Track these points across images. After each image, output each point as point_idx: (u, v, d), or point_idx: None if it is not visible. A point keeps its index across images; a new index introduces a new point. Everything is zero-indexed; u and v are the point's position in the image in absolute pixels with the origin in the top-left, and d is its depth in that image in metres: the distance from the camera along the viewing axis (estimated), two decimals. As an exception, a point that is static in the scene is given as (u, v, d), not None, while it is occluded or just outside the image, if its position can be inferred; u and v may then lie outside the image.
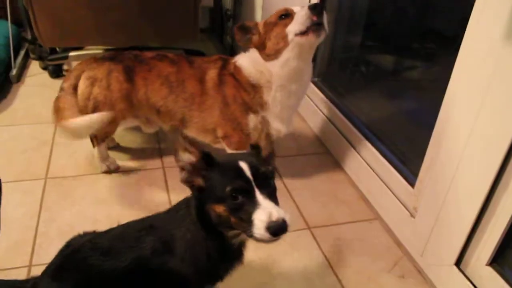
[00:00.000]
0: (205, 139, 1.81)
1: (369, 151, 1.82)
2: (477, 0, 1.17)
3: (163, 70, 1.74)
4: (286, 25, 1.54)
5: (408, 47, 1.89)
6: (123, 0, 2.31)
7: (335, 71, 2.41)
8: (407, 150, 1.74)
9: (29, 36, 2.81)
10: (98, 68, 1.75)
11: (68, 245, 1.16)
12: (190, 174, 0.98)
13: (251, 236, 0.90)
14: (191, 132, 1.79)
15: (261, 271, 1.46)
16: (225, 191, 0.91)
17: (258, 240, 0.90)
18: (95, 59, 1.79)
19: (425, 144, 1.45)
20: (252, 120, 1.69)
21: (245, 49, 1.71)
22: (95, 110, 1.74)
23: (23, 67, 2.83)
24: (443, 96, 1.34)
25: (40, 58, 2.80)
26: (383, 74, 2.11)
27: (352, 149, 1.93)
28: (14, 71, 2.64)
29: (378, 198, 1.75)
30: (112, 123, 1.79)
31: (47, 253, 1.45)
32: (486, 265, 1.28)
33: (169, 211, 1.11)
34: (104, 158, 1.90)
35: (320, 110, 2.23)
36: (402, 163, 1.69)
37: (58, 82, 2.63)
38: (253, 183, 0.92)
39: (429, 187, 1.44)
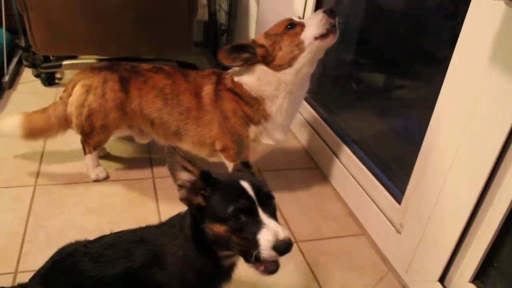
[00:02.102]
0: (200, 152, 1.81)
1: (358, 167, 1.85)
2: (464, 24, 1.21)
3: (158, 82, 1.75)
4: (297, 33, 1.57)
5: (398, 66, 1.93)
6: (119, 10, 2.33)
7: (326, 88, 2.44)
8: (394, 167, 1.77)
9: (22, 43, 2.82)
10: (94, 77, 1.77)
11: (60, 251, 1.16)
12: (189, 193, 0.97)
13: (253, 257, 0.90)
14: (186, 145, 1.80)
15: (247, 284, 1.47)
16: (227, 211, 0.90)
17: (260, 261, 0.91)
18: (92, 68, 1.81)
19: (412, 162, 1.48)
20: (253, 131, 1.71)
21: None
22: (89, 117, 1.76)
23: (16, 74, 2.83)
24: (431, 116, 1.37)
25: (33, 66, 2.81)
26: (373, 92, 2.14)
27: (341, 165, 1.96)
28: (6, 78, 2.64)
29: (365, 214, 1.77)
30: (105, 132, 1.81)
31: (34, 260, 1.44)
32: (469, 282, 1.31)
33: (161, 226, 1.11)
34: (94, 166, 1.90)
35: (311, 126, 2.26)
36: (390, 180, 1.72)
37: (50, 90, 2.66)
38: (257, 203, 0.92)
39: (415, 204, 1.47)
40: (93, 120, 1.77)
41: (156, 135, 1.85)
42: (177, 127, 1.75)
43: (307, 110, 2.30)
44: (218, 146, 1.74)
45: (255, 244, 0.89)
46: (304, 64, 1.60)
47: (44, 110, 1.83)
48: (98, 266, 1.04)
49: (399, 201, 1.58)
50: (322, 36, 1.55)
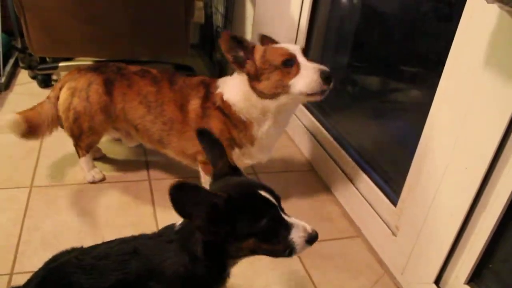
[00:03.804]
0: (183, 161, 1.81)
1: (354, 169, 1.86)
2: (458, 27, 1.22)
3: (142, 88, 1.72)
4: (289, 75, 1.49)
5: (394, 69, 1.94)
6: (115, 13, 2.33)
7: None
8: (390, 170, 1.78)
9: (19, 45, 2.82)
10: (79, 79, 1.75)
11: (54, 259, 1.15)
12: (209, 225, 0.90)
13: (286, 253, 0.95)
14: (169, 153, 1.79)
15: (244, 286, 1.47)
16: (259, 225, 0.91)
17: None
18: (79, 70, 1.80)
19: (407, 164, 1.49)
20: (237, 153, 1.68)
21: (231, 68, 1.65)
22: (75, 121, 1.76)
23: (12, 76, 2.82)
24: (426, 119, 1.38)
25: (29, 67, 2.80)
26: (369, 95, 2.15)
27: (337, 167, 1.97)
28: (2, 79, 2.63)
29: (361, 216, 1.78)
30: (94, 134, 1.81)
31: (30, 261, 1.44)
32: (464, 283, 1.31)
33: (155, 238, 1.08)
34: (90, 168, 1.91)
35: (307, 129, 2.27)
36: (386, 182, 1.72)
37: (46, 92, 2.63)
38: (278, 208, 0.95)
39: (410, 207, 1.47)
40: (80, 123, 1.77)
41: (141, 140, 1.84)
42: (159, 137, 1.73)
43: (302, 113, 2.31)
44: (199, 158, 1.72)
45: (288, 245, 0.94)
46: (286, 104, 1.55)
47: (32, 108, 1.82)
48: (91, 278, 1.02)
49: (394, 203, 1.59)
50: (309, 94, 1.50)
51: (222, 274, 1.05)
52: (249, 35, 2.77)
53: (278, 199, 0.98)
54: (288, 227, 0.95)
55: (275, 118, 1.60)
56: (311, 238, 0.96)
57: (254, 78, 1.54)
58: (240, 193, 0.95)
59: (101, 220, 1.69)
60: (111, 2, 2.29)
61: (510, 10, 1.04)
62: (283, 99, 1.53)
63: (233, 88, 1.62)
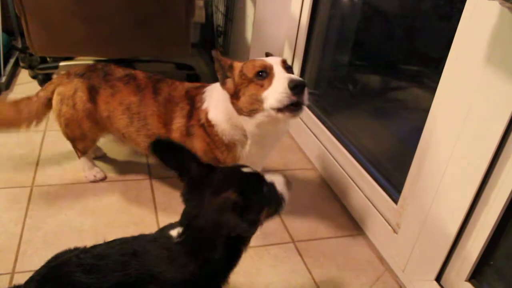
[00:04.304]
0: None
1: (354, 167, 1.86)
2: (459, 24, 1.22)
3: (125, 98, 1.67)
4: (262, 87, 1.36)
5: (394, 67, 1.94)
6: (116, 12, 2.33)
7: (323, 90, 2.45)
8: (391, 167, 1.78)
9: (19, 45, 2.82)
10: (66, 85, 1.73)
11: (56, 258, 1.15)
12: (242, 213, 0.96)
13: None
14: None
15: (246, 284, 1.47)
16: (265, 194, 1.05)
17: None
18: (68, 74, 1.77)
19: (408, 162, 1.49)
20: None
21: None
22: (67, 126, 1.77)
23: (13, 75, 2.82)
24: (427, 116, 1.38)
25: (30, 67, 2.81)
26: (370, 93, 2.15)
27: (338, 165, 1.97)
28: (3, 79, 2.64)
29: (362, 214, 1.78)
30: (87, 139, 1.81)
31: (31, 261, 1.45)
32: (465, 280, 1.32)
33: (152, 242, 1.08)
34: (90, 168, 1.91)
35: (308, 127, 2.27)
36: (386, 180, 1.72)
37: (47, 91, 2.66)
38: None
39: (412, 204, 1.47)
40: (71, 129, 1.77)
41: (132, 145, 1.82)
42: (146, 147, 1.70)
43: (304, 112, 2.30)
44: None
45: (280, 198, 1.10)
46: (264, 122, 1.41)
47: (15, 102, 1.77)
48: (91, 277, 1.02)
49: (395, 201, 1.59)
50: (278, 110, 1.33)
51: (236, 262, 1.08)
52: (249, 34, 2.77)
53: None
54: (272, 184, 1.09)
55: (255, 138, 1.50)
56: (289, 185, 1.13)
57: (234, 97, 1.43)
58: (241, 181, 1.02)
59: (102, 220, 1.69)
60: (111, 1, 2.29)
61: (511, 7, 1.04)
62: (259, 117, 1.40)
63: (217, 106, 1.52)
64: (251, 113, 1.41)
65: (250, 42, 2.71)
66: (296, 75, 1.35)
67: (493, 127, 1.13)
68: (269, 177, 1.09)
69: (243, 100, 1.41)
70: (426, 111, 1.38)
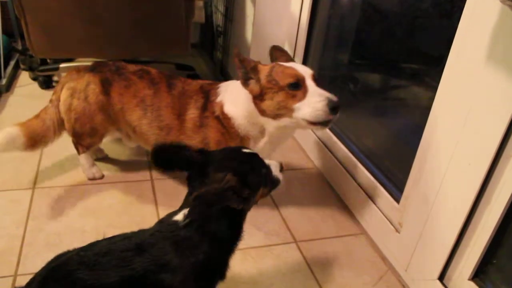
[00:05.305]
0: None
1: (356, 166, 1.85)
2: (460, 22, 1.22)
3: (140, 91, 1.70)
4: (294, 98, 1.44)
5: (395, 66, 1.94)
6: (115, 13, 2.33)
7: (323, 88, 2.45)
8: (393, 166, 1.77)
9: (19, 47, 2.82)
10: (77, 80, 1.75)
11: (57, 258, 1.15)
12: (242, 199, 1.04)
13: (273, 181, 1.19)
14: None
15: (248, 284, 1.47)
16: (263, 175, 1.13)
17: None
18: (77, 70, 1.79)
19: (410, 160, 1.48)
20: None
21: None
22: (76, 121, 1.76)
23: (13, 77, 2.82)
24: (428, 115, 1.38)
25: (30, 69, 2.81)
26: (371, 93, 2.15)
27: (339, 165, 1.96)
28: (3, 81, 2.64)
29: (364, 213, 1.78)
30: (96, 135, 1.81)
31: (33, 263, 1.45)
32: (468, 279, 1.31)
33: (156, 234, 1.09)
34: (90, 165, 1.91)
35: (308, 126, 2.27)
36: (388, 179, 1.72)
37: (47, 93, 2.65)
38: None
39: (414, 203, 1.47)
40: (81, 124, 1.77)
41: (139, 142, 1.83)
42: (156, 141, 1.71)
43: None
44: None
45: (275, 180, 1.19)
46: (286, 126, 1.52)
47: (36, 116, 1.80)
48: (94, 274, 1.02)
49: (397, 200, 1.58)
50: (311, 123, 1.45)
51: (238, 241, 1.14)
52: (249, 34, 2.77)
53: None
54: (269, 167, 1.18)
55: (272, 137, 1.59)
56: (281, 169, 1.22)
57: (258, 98, 1.50)
58: (238, 162, 1.10)
59: (104, 221, 1.69)
60: (111, 2, 2.29)
61: (511, 5, 1.04)
62: (284, 121, 1.50)
63: (235, 101, 1.58)
64: (276, 116, 1.50)
65: (250, 42, 2.71)
66: (329, 93, 1.45)
67: (495, 126, 1.13)
68: (266, 161, 1.18)
69: (269, 104, 1.48)
70: (427, 109, 1.38)
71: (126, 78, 1.73)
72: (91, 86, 1.73)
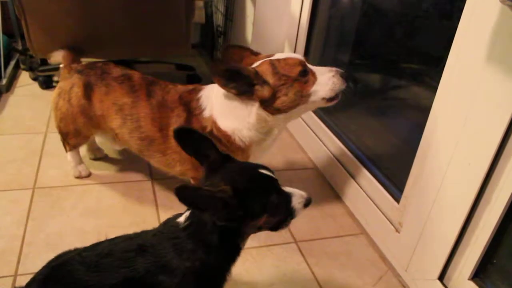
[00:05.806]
0: (170, 172, 1.70)
1: (356, 166, 1.85)
2: (460, 23, 1.21)
3: (118, 98, 1.64)
4: (308, 84, 1.43)
5: (395, 66, 1.94)
6: (115, 13, 2.33)
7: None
8: (393, 166, 1.77)
9: (20, 47, 2.82)
10: (66, 80, 1.76)
11: (58, 257, 1.15)
12: (227, 216, 0.96)
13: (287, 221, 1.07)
14: (154, 164, 1.72)
15: (248, 284, 1.47)
16: (270, 201, 1.00)
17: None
18: (69, 69, 1.79)
19: (410, 160, 1.48)
20: None
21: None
22: (61, 121, 1.78)
23: (13, 77, 2.83)
24: (428, 115, 1.38)
25: (30, 69, 2.81)
26: (371, 93, 2.15)
27: (339, 165, 1.96)
28: (4, 81, 2.64)
29: (364, 213, 1.78)
30: (80, 136, 1.81)
31: (34, 263, 1.44)
32: (469, 279, 1.31)
33: (158, 235, 1.09)
34: (77, 163, 1.92)
35: (309, 127, 2.27)
36: (388, 179, 1.72)
37: (47, 93, 2.66)
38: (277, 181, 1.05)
39: (414, 203, 1.47)
40: (65, 124, 1.77)
41: (125, 146, 1.80)
42: (139, 150, 1.68)
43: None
44: (189, 174, 1.65)
45: (291, 212, 1.05)
46: (298, 113, 1.51)
47: None
48: (95, 275, 1.02)
49: (397, 200, 1.58)
50: (329, 99, 1.46)
51: (235, 256, 1.09)
52: (249, 34, 2.77)
53: (273, 173, 1.06)
54: (288, 196, 1.05)
55: (275, 137, 1.56)
56: (308, 202, 1.08)
57: (270, 101, 1.43)
58: (245, 178, 1.01)
59: (105, 221, 1.69)
60: (111, 3, 2.29)
61: (511, 5, 1.04)
62: (298, 109, 1.47)
63: (229, 114, 1.49)
64: (289, 108, 1.46)
65: (250, 42, 2.71)
66: (330, 67, 1.48)
67: (495, 126, 1.13)
68: (288, 189, 1.07)
69: (284, 99, 1.43)
70: (427, 109, 1.38)
71: (107, 84, 1.68)
72: (74, 88, 1.71)
